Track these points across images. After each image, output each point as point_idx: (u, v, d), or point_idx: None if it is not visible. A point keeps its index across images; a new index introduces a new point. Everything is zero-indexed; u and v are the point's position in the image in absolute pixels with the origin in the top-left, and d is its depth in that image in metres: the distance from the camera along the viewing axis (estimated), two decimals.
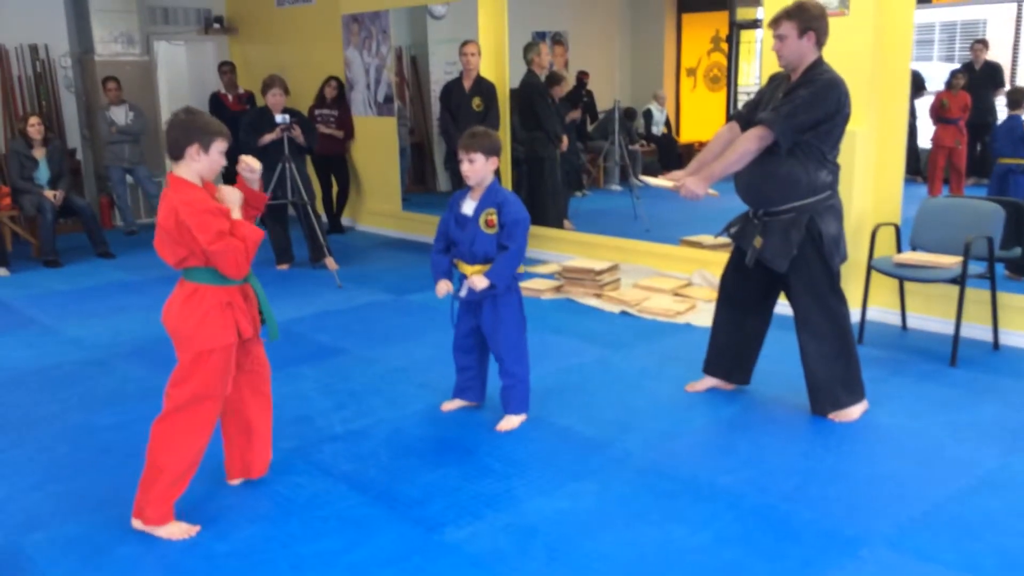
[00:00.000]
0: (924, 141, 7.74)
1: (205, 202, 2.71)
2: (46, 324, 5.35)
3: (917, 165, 7.76)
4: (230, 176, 8.63)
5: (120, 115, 8.24)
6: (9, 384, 4.28)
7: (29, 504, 3.05)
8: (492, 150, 3.39)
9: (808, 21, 3.40)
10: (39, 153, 7.21)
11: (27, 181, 7.16)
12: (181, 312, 2.76)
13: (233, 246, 2.70)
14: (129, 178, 8.50)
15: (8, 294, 6.13)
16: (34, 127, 7.14)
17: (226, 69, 8.73)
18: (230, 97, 8.62)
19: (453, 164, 6.74)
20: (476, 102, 6.60)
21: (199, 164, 2.75)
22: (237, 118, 7.12)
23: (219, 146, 2.76)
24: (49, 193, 7.08)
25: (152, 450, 2.80)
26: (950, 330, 4.45)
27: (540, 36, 9.29)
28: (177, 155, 2.74)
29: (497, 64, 7.01)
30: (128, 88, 8.50)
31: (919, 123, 7.68)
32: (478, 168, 3.38)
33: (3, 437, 3.63)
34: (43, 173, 7.21)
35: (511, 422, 3.61)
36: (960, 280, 4.26)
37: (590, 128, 9.88)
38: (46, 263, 7.03)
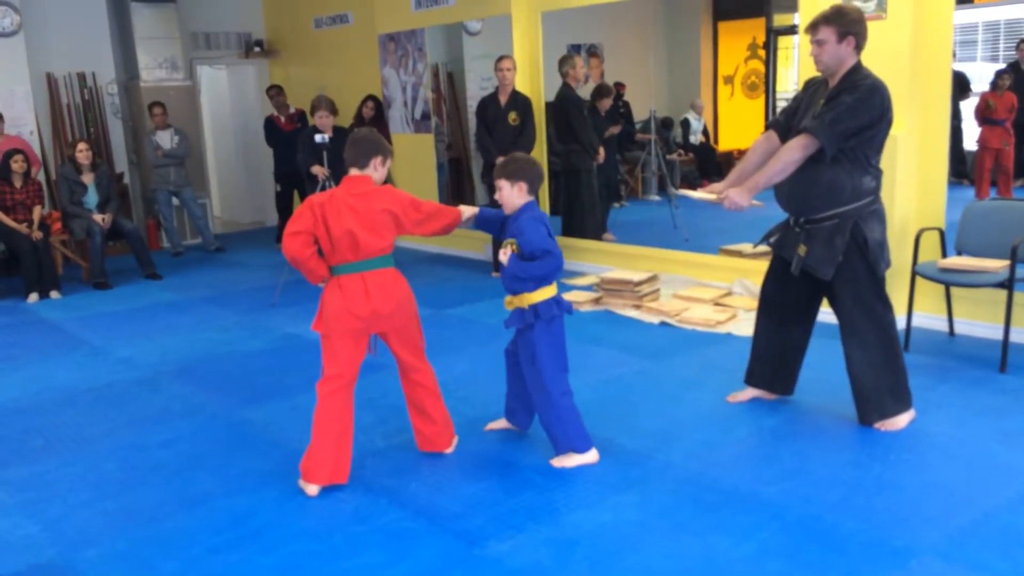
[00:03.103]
0: (970, 143, 7.59)
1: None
2: (96, 345, 5.47)
3: (964, 168, 7.61)
4: (286, 197, 8.83)
5: (166, 139, 8.43)
6: (61, 404, 4.39)
7: (81, 521, 3.12)
8: (516, 175, 3.26)
9: (848, 25, 3.36)
10: (88, 178, 7.40)
11: (77, 206, 7.35)
12: (407, 290, 3.30)
13: None
14: (175, 200, 8.69)
15: (59, 316, 6.29)
16: (82, 152, 7.33)
17: (273, 92, 8.92)
18: (282, 119, 8.79)
19: (490, 178, 6.77)
20: (512, 116, 6.63)
21: (378, 173, 3.22)
22: (291, 138, 7.28)
23: (390, 163, 3.31)
24: (98, 217, 7.26)
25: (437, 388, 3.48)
26: (999, 335, 4.35)
27: (575, 48, 9.29)
28: (363, 164, 3.21)
29: (532, 78, 7.05)
30: (173, 113, 8.69)
31: (964, 125, 7.54)
32: (504, 196, 3.29)
33: (56, 456, 3.72)
34: (92, 197, 7.40)
35: (560, 461, 3.38)
36: (1008, 284, 4.17)
37: (637, 136, 9.82)
38: (96, 285, 7.20)
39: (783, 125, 3.62)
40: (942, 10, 4.61)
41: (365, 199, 3.16)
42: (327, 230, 3.13)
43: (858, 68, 3.41)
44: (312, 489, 3.22)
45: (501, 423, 3.76)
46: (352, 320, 3.17)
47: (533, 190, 3.30)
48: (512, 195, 3.28)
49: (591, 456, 3.38)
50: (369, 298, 3.17)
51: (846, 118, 3.31)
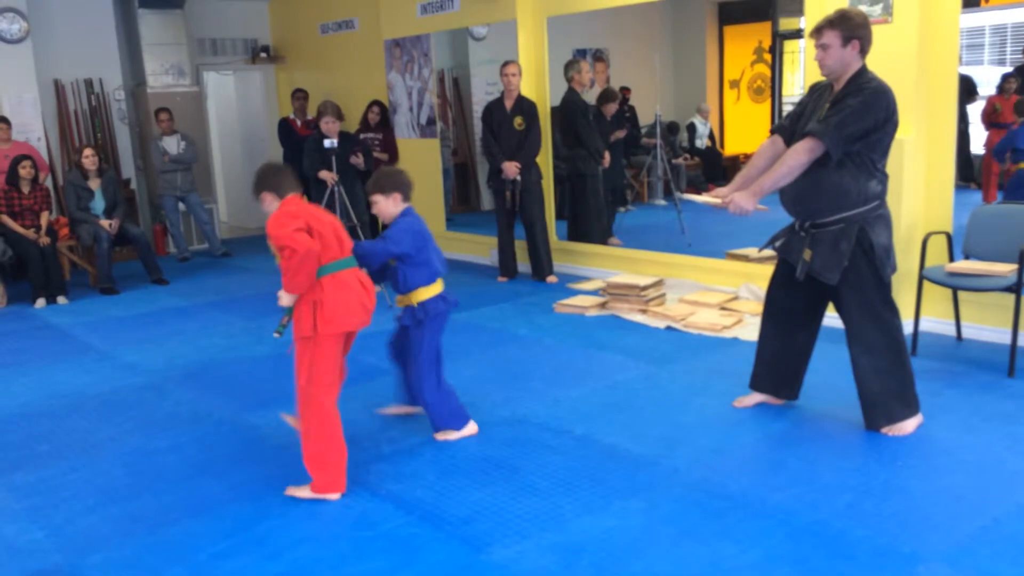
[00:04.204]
0: (977, 147, 7.57)
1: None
2: (103, 350, 5.49)
3: (971, 172, 7.59)
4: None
5: (172, 145, 8.46)
6: (68, 409, 4.40)
7: (87, 527, 3.12)
8: (389, 188, 3.54)
9: (852, 29, 3.35)
10: (94, 184, 7.42)
11: (83, 211, 7.37)
12: None
13: None
14: (181, 206, 8.71)
15: (66, 321, 6.30)
16: (88, 158, 7.35)
17: (300, 95, 8.97)
18: (299, 123, 8.82)
19: (496, 184, 6.78)
20: (517, 121, 6.64)
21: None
22: (303, 143, 7.32)
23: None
24: (105, 222, 7.28)
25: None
26: (1007, 340, 4.33)
27: (581, 53, 9.30)
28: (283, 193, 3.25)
29: (538, 83, 7.05)
30: (179, 118, 8.72)
31: (971, 129, 7.52)
32: (380, 208, 3.57)
33: (62, 461, 3.72)
34: (99, 203, 7.42)
35: (444, 436, 3.74)
36: (1016, 288, 4.15)
37: (643, 141, 9.83)
38: (103, 291, 7.22)
39: (788, 130, 3.61)
40: (948, 13, 4.59)
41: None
42: (311, 229, 3.12)
43: (863, 72, 3.40)
44: (336, 495, 3.23)
45: (401, 408, 3.98)
46: (363, 314, 3.23)
47: (407, 197, 3.60)
48: (388, 206, 3.56)
49: (470, 429, 3.75)
50: (368, 291, 3.27)
51: (851, 121, 3.29)
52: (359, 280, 3.26)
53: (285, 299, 3.18)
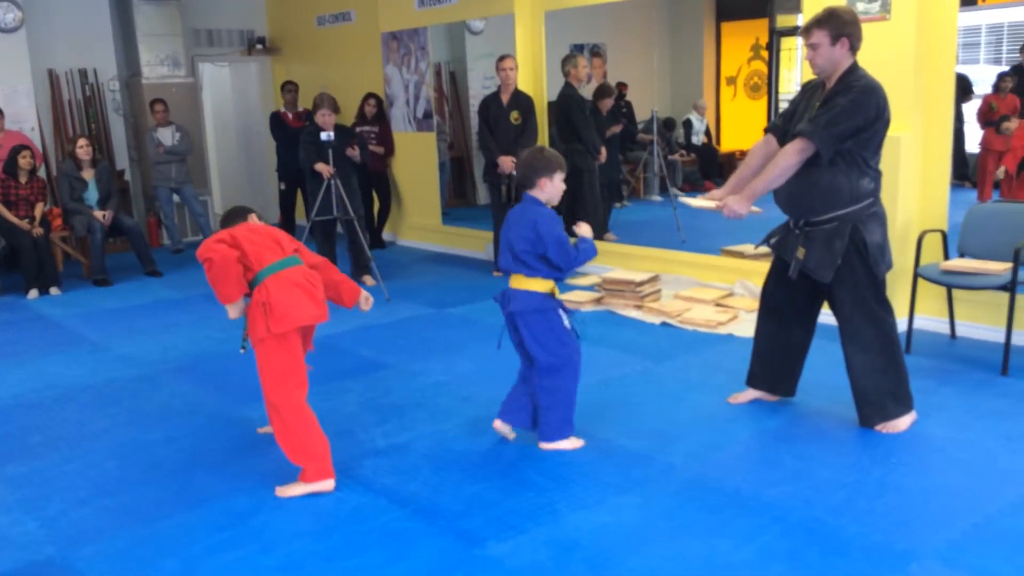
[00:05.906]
0: (972, 146, 7.59)
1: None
2: (96, 342, 5.47)
3: (966, 170, 7.61)
4: (289, 195, 8.82)
5: (167, 136, 8.43)
6: (61, 401, 4.38)
7: (80, 519, 3.11)
8: (551, 168, 3.40)
9: (840, 27, 3.35)
10: (88, 175, 7.39)
11: (77, 202, 7.33)
12: None
13: None
14: (176, 197, 8.68)
15: (59, 313, 6.28)
16: (82, 148, 7.31)
17: (289, 88, 8.91)
18: (290, 115, 8.79)
19: (492, 178, 6.77)
20: (514, 115, 6.63)
21: None
22: (297, 135, 7.29)
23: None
24: (98, 213, 7.25)
25: None
26: (1000, 338, 4.35)
27: (578, 48, 9.29)
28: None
29: (535, 77, 7.04)
30: (174, 109, 8.68)
31: (967, 127, 7.53)
32: (550, 194, 3.45)
33: (55, 453, 3.71)
34: (92, 194, 7.39)
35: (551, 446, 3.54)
36: (1010, 287, 4.16)
37: (639, 137, 9.83)
38: (96, 282, 7.19)
39: (781, 128, 3.61)
40: (946, 12, 4.60)
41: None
42: (235, 240, 3.18)
43: (853, 69, 3.40)
44: (331, 484, 3.23)
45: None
46: (314, 307, 3.20)
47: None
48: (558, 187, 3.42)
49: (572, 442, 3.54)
50: (316, 287, 3.23)
51: (841, 120, 3.29)
52: (304, 277, 3.22)
53: (231, 312, 3.25)
